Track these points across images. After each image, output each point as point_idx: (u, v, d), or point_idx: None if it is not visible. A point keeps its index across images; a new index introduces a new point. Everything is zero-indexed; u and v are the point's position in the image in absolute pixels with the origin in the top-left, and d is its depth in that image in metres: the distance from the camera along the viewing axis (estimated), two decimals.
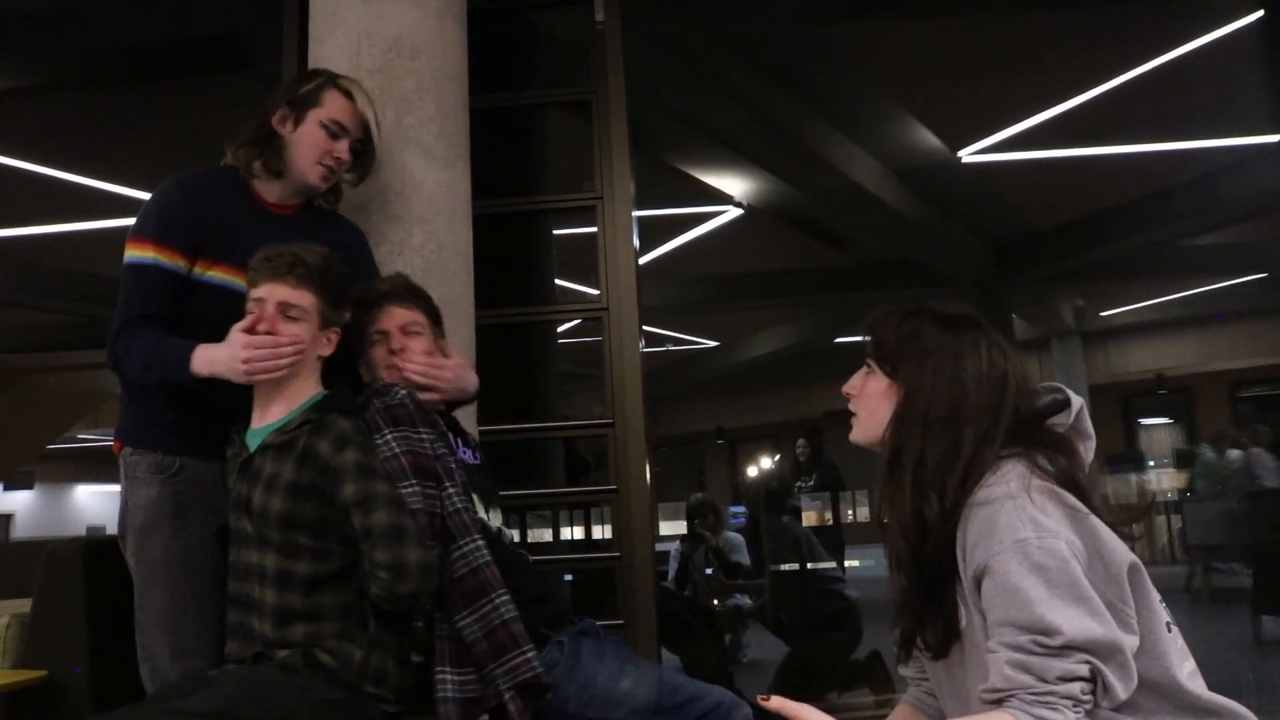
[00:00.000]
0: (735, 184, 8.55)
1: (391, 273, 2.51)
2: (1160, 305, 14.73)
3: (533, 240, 4.40)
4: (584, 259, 3.84)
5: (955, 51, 6.71)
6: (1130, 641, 1.30)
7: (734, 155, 7.84)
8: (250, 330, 2.04)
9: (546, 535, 6.15)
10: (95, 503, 25.64)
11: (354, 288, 2.26)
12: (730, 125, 7.31)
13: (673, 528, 7.33)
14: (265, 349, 2.02)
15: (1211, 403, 17.85)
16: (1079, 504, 1.38)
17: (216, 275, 2.24)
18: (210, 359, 2.06)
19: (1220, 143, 8.28)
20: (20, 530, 23.28)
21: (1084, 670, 1.25)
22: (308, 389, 2.12)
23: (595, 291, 3.62)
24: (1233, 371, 16.82)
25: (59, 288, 10.43)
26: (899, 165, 8.60)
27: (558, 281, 4.95)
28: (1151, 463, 14.51)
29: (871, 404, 1.56)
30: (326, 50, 2.82)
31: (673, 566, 6.99)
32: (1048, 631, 1.26)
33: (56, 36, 5.63)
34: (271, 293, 2.06)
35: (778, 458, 19.75)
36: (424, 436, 2.12)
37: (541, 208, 4.16)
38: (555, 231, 4.72)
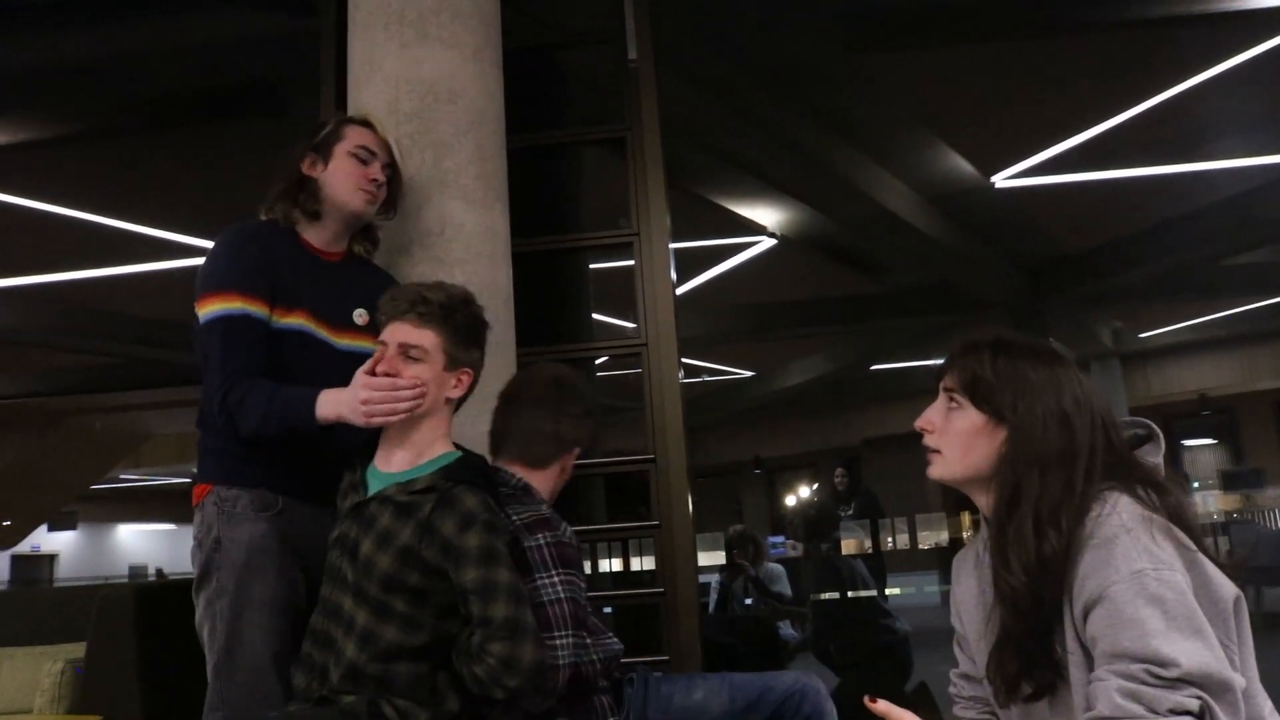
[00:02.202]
0: (768, 214, 8.56)
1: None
2: (1200, 325, 14.56)
3: (570, 277, 4.42)
4: (619, 290, 3.83)
5: (986, 77, 6.71)
6: (1239, 680, 1.27)
7: (766, 186, 7.86)
8: (371, 372, 2.01)
9: (585, 567, 6.13)
10: (137, 542, 25.94)
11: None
12: (762, 156, 7.33)
13: (710, 558, 7.28)
14: (383, 390, 1.98)
15: (1256, 422, 17.62)
16: (1188, 540, 1.37)
17: (290, 321, 2.22)
18: (336, 401, 2.03)
19: (1253, 161, 8.22)
20: (64, 570, 23.55)
21: (1194, 705, 1.22)
22: (437, 440, 2.07)
23: (631, 325, 3.59)
24: (1277, 390, 16.60)
25: (102, 330, 10.58)
26: (931, 191, 8.59)
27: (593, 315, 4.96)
28: (1196, 484, 14.27)
29: (963, 442, 1.53)
30: (365, 96, 2.86)
31: (713, 599, 6.96)
32: (1163, 663, 1.23)
33: (97, 85, 5.76)
34: (394, 334, 2.03)
35: (816, 486, 19.66)
36: (584, 585, 2.14)
37: (579, 245, 4.15)
38: (590, 265, 4.73)
